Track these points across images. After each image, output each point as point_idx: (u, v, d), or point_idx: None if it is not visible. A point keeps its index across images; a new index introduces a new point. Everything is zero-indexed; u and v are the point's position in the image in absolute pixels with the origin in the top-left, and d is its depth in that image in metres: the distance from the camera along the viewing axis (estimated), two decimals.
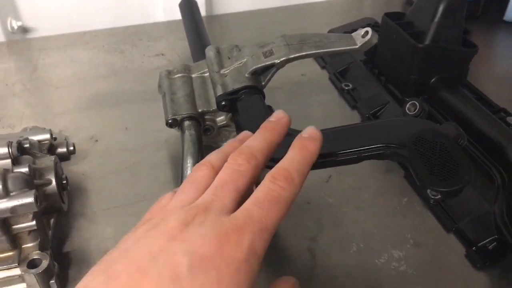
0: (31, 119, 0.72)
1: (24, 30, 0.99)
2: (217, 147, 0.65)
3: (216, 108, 0.60)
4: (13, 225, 0.43)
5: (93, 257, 0.51)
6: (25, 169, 0.44)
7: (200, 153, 0.58)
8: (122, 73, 0.83)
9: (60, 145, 0.58)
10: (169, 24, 1.01)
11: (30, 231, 0.45)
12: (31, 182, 0.44)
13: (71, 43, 0.93)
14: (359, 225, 0.54)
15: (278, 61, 0.59)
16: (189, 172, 0.56)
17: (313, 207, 0.57)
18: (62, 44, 0.92)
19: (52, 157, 0.50)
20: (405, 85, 0.70)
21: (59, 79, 0.81)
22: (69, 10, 1.01)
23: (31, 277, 0.43)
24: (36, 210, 0.43)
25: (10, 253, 0.44)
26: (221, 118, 0.63)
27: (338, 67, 0.82)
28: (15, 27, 0.95)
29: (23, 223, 0.44)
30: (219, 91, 0.59)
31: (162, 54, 0.89)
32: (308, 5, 1.12)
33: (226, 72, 0.61)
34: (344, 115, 0.74)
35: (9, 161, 0.45)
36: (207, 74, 0.65)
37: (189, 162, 0.56)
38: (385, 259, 0.50)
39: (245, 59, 0.61)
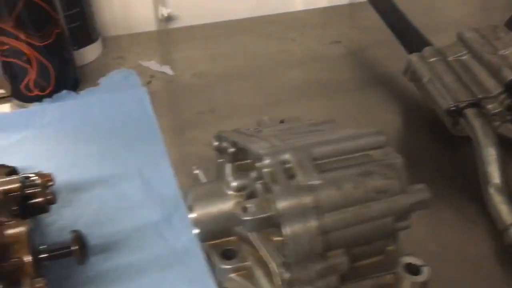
0: (245, 110, 0.65)
1: (169, 18, 0.93)
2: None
3: (500, 92, 0.54)
4: None
5: None
6: None
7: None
8: (308, 62, 0.77)
9: None
10: (322, 11, 0.95)
11: None
12: None
13: (234, 31, 0.86)
14: None
15: None
16: (495, 164, 0.49)
17: None
18: (224, 32, 0.85)
19: None
20: None
21: (246, 67, 0.75)
22: None
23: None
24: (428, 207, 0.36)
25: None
26: (493, 105, 0.56)
27: None
28: (165, 15, 0.89)
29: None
30: (510, 75, 0.53)
31: (338, 41, 0.83)
32: None
33: (507, 53, 0.55)
34: None
35: None
36: (465, 57, 0.59)
37: (492, 153, 0.50)
38: None
39: None
